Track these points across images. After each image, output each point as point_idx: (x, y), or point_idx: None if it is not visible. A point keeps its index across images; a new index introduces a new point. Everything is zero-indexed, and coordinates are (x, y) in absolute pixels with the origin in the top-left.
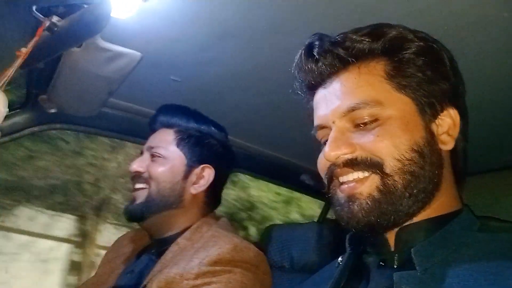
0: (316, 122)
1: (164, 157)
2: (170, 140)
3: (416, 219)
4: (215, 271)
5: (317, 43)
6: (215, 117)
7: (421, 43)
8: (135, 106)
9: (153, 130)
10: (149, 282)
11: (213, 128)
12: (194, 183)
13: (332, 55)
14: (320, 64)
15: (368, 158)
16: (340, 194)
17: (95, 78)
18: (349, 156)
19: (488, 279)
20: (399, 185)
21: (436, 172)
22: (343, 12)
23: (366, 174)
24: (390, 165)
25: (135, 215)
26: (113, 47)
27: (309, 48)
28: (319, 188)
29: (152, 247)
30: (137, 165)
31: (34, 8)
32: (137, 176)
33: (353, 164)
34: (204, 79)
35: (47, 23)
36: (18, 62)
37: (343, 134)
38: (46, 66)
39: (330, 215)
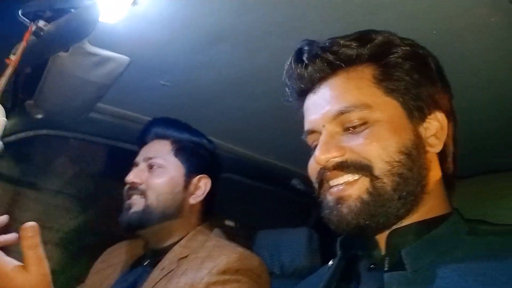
0: (307, 126)
1: (163, 167)
2: (167, 150)
3: (405, 222)
4: (224, 281)
5: (306, 48)
6: (207, 122)
7: (408, 48)
8: (124, 111)
9: (144, 143)
10: None
11: (204, 139)
12: (192, 194)
13: (321, 60)
14: (309, 69)
15: (358, 161)
16: (330, 197)
17: (83, 83)
18: (339, 159)
19: (477, 280)
20: (388, 187)
21: (424, 174)
22: (337, 16)
23: (356, 177)
24: (379, 168)
25: (133, 224)
26: (101, 51)
27: (298, 54)
28: (309, 192)
29: (145, 258)
30: (133, 176)
31: (20, 12)
32: (132, 188)
33: (343, 167)
34: (195, 84)
35: (34, 28)
36: (10, 70)
37: (333, 138)
38: (33, 71)
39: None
